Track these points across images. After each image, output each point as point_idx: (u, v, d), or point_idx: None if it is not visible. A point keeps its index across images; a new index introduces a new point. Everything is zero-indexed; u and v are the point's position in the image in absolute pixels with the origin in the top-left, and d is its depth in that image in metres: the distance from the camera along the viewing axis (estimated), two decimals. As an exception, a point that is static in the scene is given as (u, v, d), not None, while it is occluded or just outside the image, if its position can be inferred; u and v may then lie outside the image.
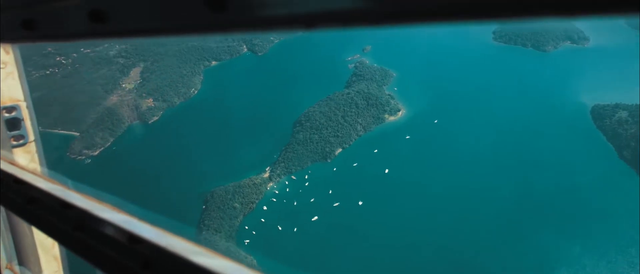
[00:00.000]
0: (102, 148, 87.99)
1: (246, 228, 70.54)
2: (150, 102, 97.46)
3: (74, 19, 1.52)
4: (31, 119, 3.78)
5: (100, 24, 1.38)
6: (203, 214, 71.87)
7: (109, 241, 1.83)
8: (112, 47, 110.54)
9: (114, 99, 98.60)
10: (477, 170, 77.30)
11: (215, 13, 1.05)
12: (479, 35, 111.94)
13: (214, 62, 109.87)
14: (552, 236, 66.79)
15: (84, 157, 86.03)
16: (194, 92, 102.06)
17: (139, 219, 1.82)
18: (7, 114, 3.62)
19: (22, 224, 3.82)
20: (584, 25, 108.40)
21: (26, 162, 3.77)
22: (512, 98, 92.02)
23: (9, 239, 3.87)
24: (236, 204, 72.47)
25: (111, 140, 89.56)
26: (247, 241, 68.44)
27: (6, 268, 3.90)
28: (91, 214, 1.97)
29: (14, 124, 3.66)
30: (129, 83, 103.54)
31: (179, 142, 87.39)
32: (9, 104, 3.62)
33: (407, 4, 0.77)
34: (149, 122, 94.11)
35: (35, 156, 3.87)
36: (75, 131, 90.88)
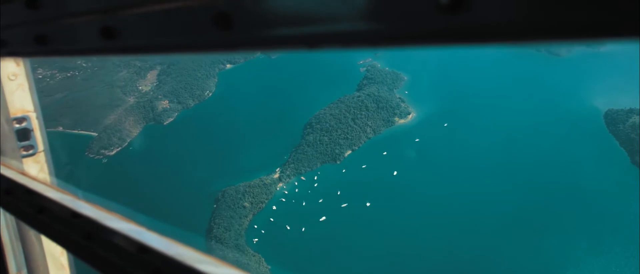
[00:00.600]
0: (119, 148, 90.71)
1: (255, 226, 72.06)
2: (165, 104, 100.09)
3: (85, 36, 1.58)
4: (41, 130, 3.83)
5: (111, 40, 1.42)
6: (214, 212, 73.61)
7: (118, 251, 1.88)
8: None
9: (131, 100, 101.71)
10: (486, 173, 77.42)
11: (222, 32, 1.07)
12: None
13: (228, 65, 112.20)
14: (561, 240, 66.63)
15: (101, 156, 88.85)
16: (208, 94, 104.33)
17: (148, 229, 1.86)
18: (17, 125, 3.67)
19: (31, 233, 3.85)
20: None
21: (36, 172, 3.82)
22: (524, 102, 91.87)
23: (19, 247, 3.88)
24: (246, 204, 74.10)
25: (128, 140, 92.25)
26: (256, 239, 69.89)
27: None
28: (100, 223, 2.01)
29: (24, 134, 3.71)
30: (145, 85, 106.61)
31: (192, 142, 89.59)
32: (19, 115, 3.68)
33: (408, 27, 0.79)
34: (164, 123, 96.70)
35: (45, 166, 3.92)
36: (93, 131, 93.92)
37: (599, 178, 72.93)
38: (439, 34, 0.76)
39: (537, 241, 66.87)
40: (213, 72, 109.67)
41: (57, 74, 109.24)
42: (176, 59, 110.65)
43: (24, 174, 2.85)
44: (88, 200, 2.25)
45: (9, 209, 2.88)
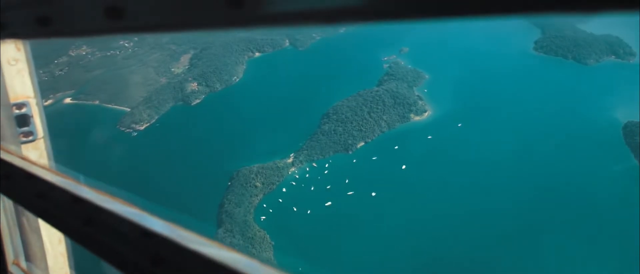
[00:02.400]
0: (148, 124, 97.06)
1: (264, 206, 76.38)
2: (194, 86, 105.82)
3: (89, 15, 1.53)
4: (41, 116, 3.78)
5: (117, 20, 1.38)
6: (227, 189, 78.38)
7: (119, 236, 1.85)
8: (166, 34, 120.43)
9: (162, 80, 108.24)
10: (494, 177, 78.50)
11: (232, 8, 1.04)
12: (520, 44, 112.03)
13: (257, 53, 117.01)
14: (561, 247, 67.33)
15: (131, 130, 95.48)
16: (235, 79, 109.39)
17: (150, 214, 1.82)
18: (17, 111, 3.62)
19: (30, 219, 3.78)
20: (633, 41, 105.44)
21: (35, 158, 3.74)
22: (543, 108, 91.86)
23: (17, 234, 3.83)
24: (258, 184, 78.51)
25: (156, 117, 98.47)
26: (264, 217, 74.17)
27: (13, 263, 3.83)
28: (101, 208, 1.96)
29: (24, 120, 3.66)
30: (178, 68, 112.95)
31: (215, 124, 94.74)
32: (19, 100, 3.63)
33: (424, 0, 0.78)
34: (192, 104, 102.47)
35: (44, 153, 3.85)
36: (126, 107, 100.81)
37: (607, 189, 73.07)
38: (454, 6, 0.76)
39: (535, 248, 67.76)
40: (242, 59, 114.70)
41: (97, 52, 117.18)
42: (208, 44, 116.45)
43: (23, 158, 2.84)
44: (89, 185, 2.24)
45: (8, 194, 2.86)
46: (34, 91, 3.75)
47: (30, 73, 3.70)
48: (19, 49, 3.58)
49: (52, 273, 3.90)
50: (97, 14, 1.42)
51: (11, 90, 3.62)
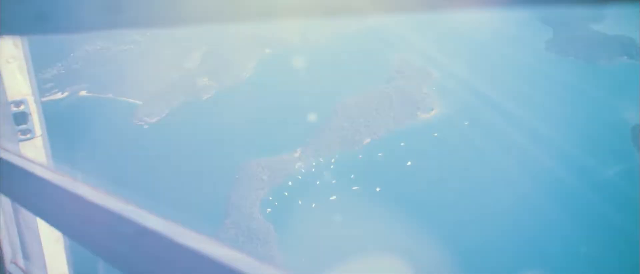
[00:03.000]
0: (159, 117, 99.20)
1: (270, 198, 77.69)
2: (205, 81, 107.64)
3: (88, 11, 1.58)
4: (38, 114, 3.77)
5: (115, 15, 1.40)
6: (234, 182, 79.92)
7: (116, 234, 1.88)
8: (179, 31, 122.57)
9: (174, 75, 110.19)
10: (500, 174, 78.94)
11: (232, 3, 1.06)
12: (531, 43, 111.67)
13: (268, 50, 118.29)
14: (565, 249, 67.53)
15: (143, 123, 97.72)
16: (245, 75, 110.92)
17: (147, 212, 1.84)
18: (15, 108, 3.62)
19: (28, 218, 3.75)
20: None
21: (32, 156, 3.68)
22: (551, 108, 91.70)
23: (15, 232, 3.82)
24: (264, 177, 79.90)
25: (167, 111, 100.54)
26: (269, 210, 75.53)
27: (11, 262, 3.80)
28: (98, 206, 1.98)
29: (22, 118, 3.67)
30: (189, 63, 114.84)
31: (225, 118, 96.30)
32: (17, 98, 3.63)
33: None
34: (202, 98, 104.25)
35: (42, 151, 3.83)
36: (139, 100, 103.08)
37: (610, 189, 72.94)
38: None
39: (539, 246, 68.10)
40: (253, 55, 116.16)
41: (112, 47, 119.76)
42: (220, 40, 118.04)
43: (20, 156, 2.82)
44: (87, 183, 2.21)
45: (6, 192, 2.85)
46: (32, 88, 3.76)
47: (28, 71, 3.70)
48: (17, 47, 3.59)
49: (50, 272, 3.88)
50: (96, 9, 1.46)
51: (9, 88, 3.63)
